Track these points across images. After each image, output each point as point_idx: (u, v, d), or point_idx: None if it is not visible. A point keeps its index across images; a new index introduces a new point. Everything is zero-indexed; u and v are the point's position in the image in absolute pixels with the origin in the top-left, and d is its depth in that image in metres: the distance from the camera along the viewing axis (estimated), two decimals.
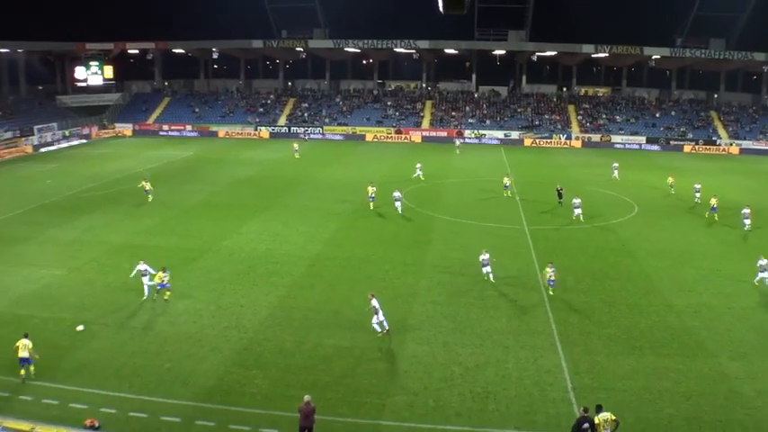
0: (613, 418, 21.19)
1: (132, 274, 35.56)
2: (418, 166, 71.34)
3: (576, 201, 52.85)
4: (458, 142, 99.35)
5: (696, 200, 59.05)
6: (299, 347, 29.78)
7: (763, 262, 37.53)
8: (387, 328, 30.90)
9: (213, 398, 25.35)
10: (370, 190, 55.01)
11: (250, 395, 25.64)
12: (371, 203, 54.59)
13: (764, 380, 27.25)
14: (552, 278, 36.15)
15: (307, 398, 22.21)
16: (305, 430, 21.92)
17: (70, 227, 49.32)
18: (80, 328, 30.24)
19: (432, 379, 27.01)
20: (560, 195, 56.71)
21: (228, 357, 28.74)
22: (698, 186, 59.76)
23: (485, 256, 38.34)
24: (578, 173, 76.38)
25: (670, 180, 64.39)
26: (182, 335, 30.90)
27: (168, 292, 34.66)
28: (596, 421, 21.21)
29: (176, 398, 25.26)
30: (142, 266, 35.37)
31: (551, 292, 35.91)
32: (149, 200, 57.07)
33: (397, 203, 53.56)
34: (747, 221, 49.84)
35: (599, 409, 21.54)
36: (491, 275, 38.13)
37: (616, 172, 72.33)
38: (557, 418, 24.18)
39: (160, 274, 34.66)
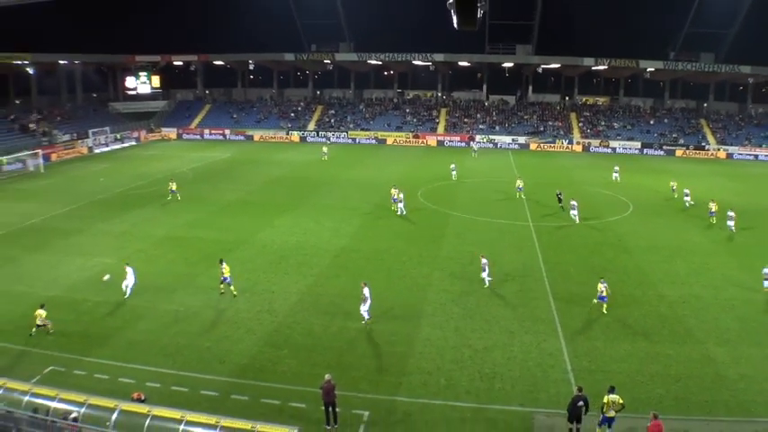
0: (621, 401, 21.39)
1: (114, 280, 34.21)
2: (452, 166, 70.96)
3: (574, 203, 51.76)
4: (475, 146, 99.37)
5: (687, 203, 57.73)
6: (325, 330, 29.91)
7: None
8: (366, 318, 30.65)
9: (247, 375, 25.56)
10: (394, 192, 54.36)
11: (280, 372, 25.82)
12: (394, 204, 53.76)
13: (747, 364, 27.15)
14: (604, 294, 32.44)
15: (327, 377, 22.30)
16: (329, 405, 22.02)
17: (119, 220, 49.68)
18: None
19: (444, 360, 27.07)
20: (560, 200, 55.32)
21: (261, 338, 28.94)
22: (687, 191, 58.60)
23: (484, 261, 36.41)
24: (579, 174, 75.87)
25: (673, 184, 62.82)
26: (220, 317, 31.14)
27: (231, 287, 33.92)
28: (605, 400, 21.44)
29: (214, 374, 25.49)
30: (128, 269, 33.99)
31: (605, 311, 32.39)
32: (169, 198, 56.47)
33: (400, 204, 52.95)
34: (731, 223, 48.94)
35: (612, 390, 21.72)
36: (487, 280, 36.04)
37: (616, 175, 71.49)
38: (557, 396, 24.15)
39: (221, 267, 34.02)
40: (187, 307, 32.41)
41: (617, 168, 72.80)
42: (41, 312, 28.45)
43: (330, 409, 22.09)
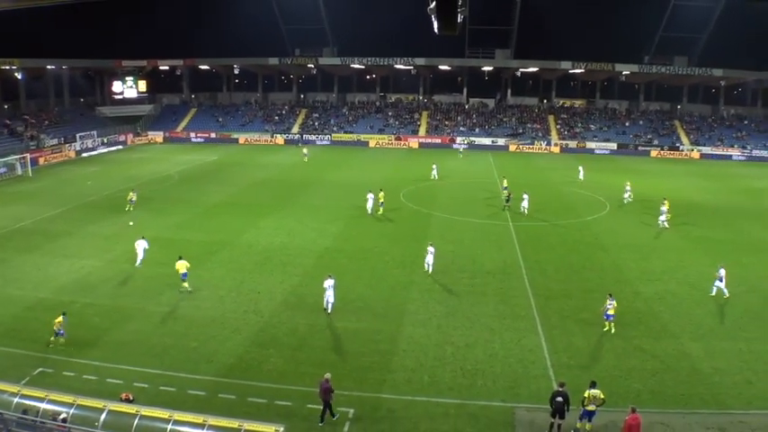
0: (602, 396, 21.54)
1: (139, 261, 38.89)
2: (434, 166, 71.24)
3: (525, 195, 53.99)
4: (461, 148, 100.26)
5: (625, 200, 58.96)
6: (309, 329, 29.83)
7: (722, 272, 34.95)
8: (328, 309, 31.65)
9: (234, 374, 25.43)
10: (381, 195, 53.63)
11: (266, 372, 25.71)
12: (381, 208, 53.25)
13: (721, 358, 27.38)
14: (610, 312, 29.89)
15: (326, 375, 22.30)
16: (324, 403, 22.01)
17: (107, 223, 49.24)
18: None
19: (427, 357, 27.07)
20: (508, 200, 55.76)
21: (247, 338, 28.80)
22: (628, 187, 59.76)
23: (430, 249, 37.98)
24: (557, 175, 76.28)
25: (627, 186, 61.77)
26: (206, 318, 30.95)
27: (185, 283, 34.28)
28: (586, 395, 21.59)
29: (201, 374, 25.34)
30: (141, 241, 39.36)
31: (606, 328, 29.96)
32: (126, 209, 53.22)
33: (368, 204, 52.97)
34: (662, 218, 50.00)
35: (593, 385, 21.86)
36: (430, 267, 37.69)
37: (581, 174, 72.58)
38: (537, 392, 24.23)
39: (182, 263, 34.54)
40: (174, 308, 32.20)
41: (581, 168, 73.95)
42: (60, 319, 27.65)
43: (324, 406, 22.11)
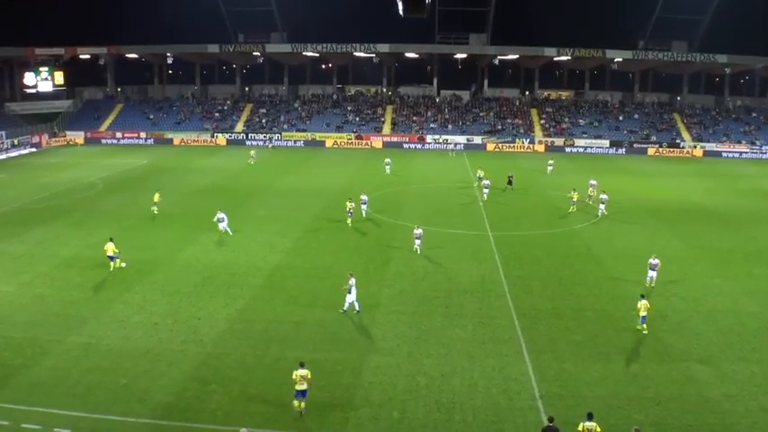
0: (599, 430, 21.63)
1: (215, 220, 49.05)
2: (387, 160, 72.36)
3: (487, 182, 63.39)
4: (451, 147, 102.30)
5: (589, 199, 62.09)
6: (259, 361, 29.53)
7: (654, 261, 38.85)
8: (355, 308, 34.64)
9: (172, 415, 24.99)
10: (348, 205, 53.50)
11: (210, 411, 25.32)
12: (349, 218, 53.18)
13: (732, 383, 27.63)
14: (644, 314, 32.32)
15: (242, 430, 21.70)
16: None
17: (18, 240, 48.33)
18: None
19: (396, 390, 26.94)
20: (510, 182, 67.24)
21: (187, 372, 28.38)
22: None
23: (418, 231, 45.16)
24: (541, 177, 77.12)
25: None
26: (138, 350, 30.46)
27: (113, 263, 40.63)
28: (580, 429, 21.71)
29: (133, 416, 24.86)
30: (221, 215, 49.20)
31: (645, 331, 32.55)
32: (153, 210, 55.51)
33: (363, 207, 54.94)
34: (602, 206, 56.32)
35: (589, 417, 21.98)
36: (419, 249, 44.91)
37: (550, 168, 79.34)
38: (524, 427, 24.23)
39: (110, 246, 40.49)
40: (99, 339, 31.63)
41: (551, 162, 79.37)
42: (303, 373, 24.69)
43: None
